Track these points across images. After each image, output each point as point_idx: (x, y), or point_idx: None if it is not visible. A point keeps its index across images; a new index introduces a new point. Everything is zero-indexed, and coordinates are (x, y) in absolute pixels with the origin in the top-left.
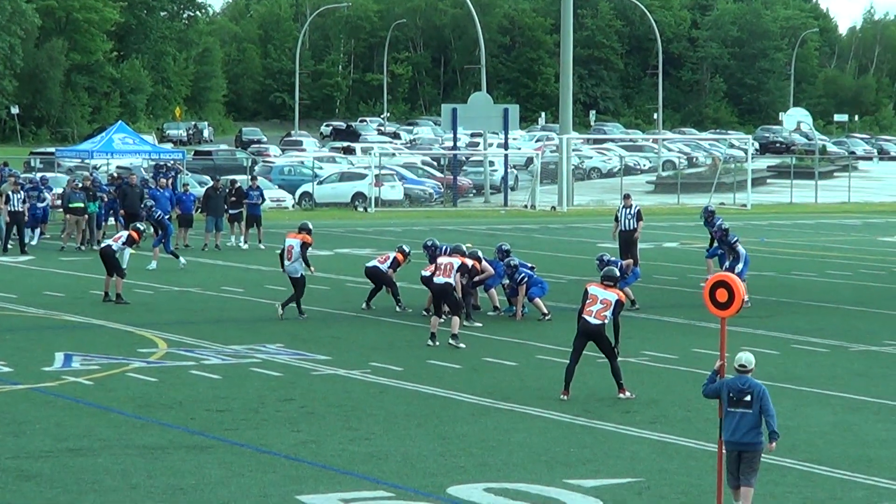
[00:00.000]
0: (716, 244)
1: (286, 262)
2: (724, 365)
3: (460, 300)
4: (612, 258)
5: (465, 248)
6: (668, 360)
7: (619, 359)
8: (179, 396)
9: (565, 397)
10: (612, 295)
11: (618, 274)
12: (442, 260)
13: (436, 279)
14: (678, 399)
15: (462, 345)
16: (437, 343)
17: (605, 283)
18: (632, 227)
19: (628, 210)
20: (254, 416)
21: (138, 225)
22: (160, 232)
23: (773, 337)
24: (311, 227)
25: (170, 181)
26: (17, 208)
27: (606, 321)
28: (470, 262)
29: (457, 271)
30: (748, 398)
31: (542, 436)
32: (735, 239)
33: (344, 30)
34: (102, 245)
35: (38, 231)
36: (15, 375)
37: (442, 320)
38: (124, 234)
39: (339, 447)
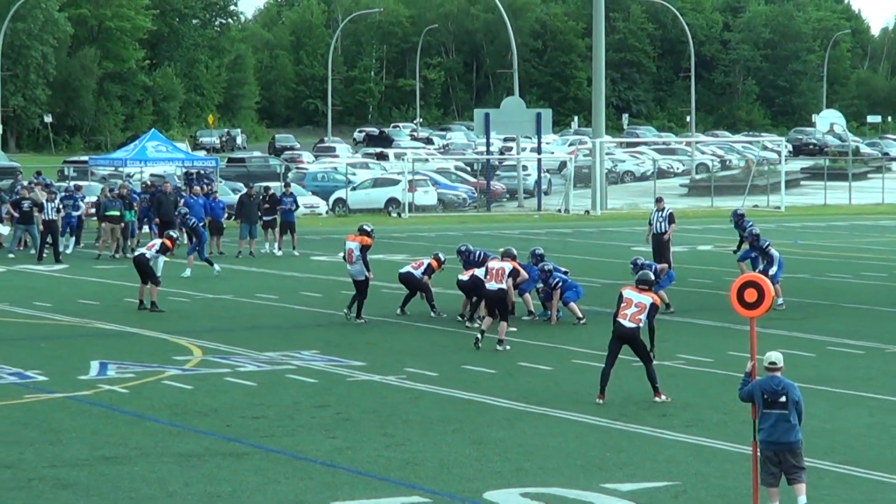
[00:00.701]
0: (746, 246)
1: (348, 266)
2: (755, 366)
3: (512, 305)
4: (647, 261)
5: (514, 252)
6: (704, 363)
7: (654, 362)
8: (215, 404)
9: (601, 401)
10: (647, 298)
11: (652, 277)
12: (493, 265)
13: (489, 285)
14: (714, 402)
15: (507, 347)
16: (481, 346)
17: (639, 286)
18: (664, 230)
19: (661, 213)
20: (289, 422)
21: (171, 233)
22: (194, 239)
23: (808, 339)
24: (369, 229)
25: (209, 188)
26: (50, 217)
27: (641, 325)
28: (518, 267)
29: (509, 276)
30: (783, 399)
31: (577, 440)
32: (767, 243)
33: (376, 35)
34: (136, 253)
35: (72, 239)
36: (50, 384)
37: (476, 324)
38: (158, 241)
39: (374, 453)
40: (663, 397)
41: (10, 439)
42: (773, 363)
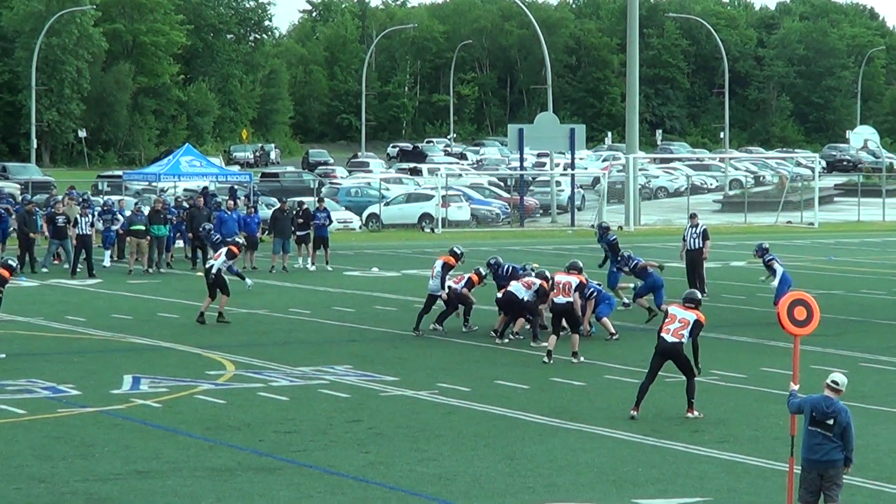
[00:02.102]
0: (608, 262)
1: (429, 280)
2: (797, 385)
3: (580, 318)
4: (631, 254)
5: (580, 264)
6: (737, 378)
7: (696, 378)
8: (248, 418)
9: (635, 413)
10: (692, 315)
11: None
12: (560, 279)
13: (556, 299)
14: (747, 418)
15: (581, 359)
16: (552, 361)
17: (686, 304)
18: (698, 247)
19: (695, 229)
20: (322, 437)
21: (237, 239)
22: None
23: (841, 355)
24: (459, 252)
25: (254, 201)
26: (85, 231)
27: (684, 340)
28: (585, 281)
29: (575, 290)
30: (830, 422)
31: (609, 455)
32: (771, 258)
33: (410, 51)
34: (207, 265)
35: (107, 253)
36: (83, 398)
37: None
38: (223, 250)
39: (407, 468)
40: (696, 413)
41: (43, 453)
42: (835, 383)
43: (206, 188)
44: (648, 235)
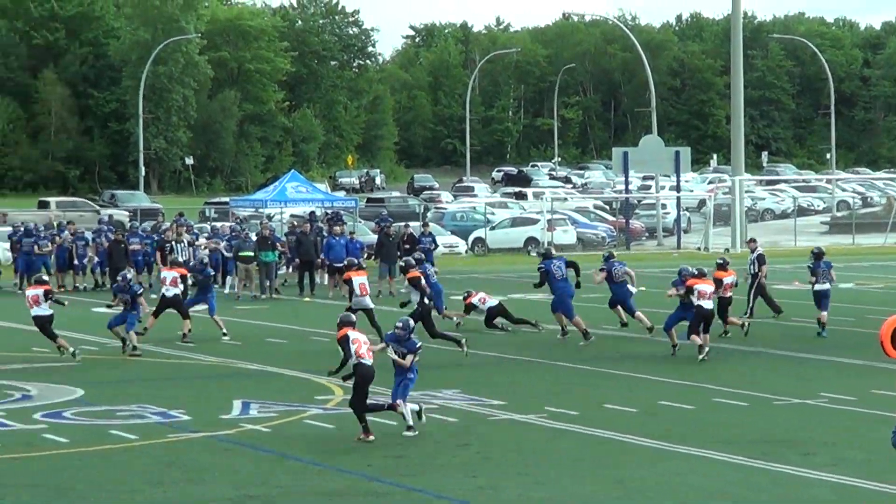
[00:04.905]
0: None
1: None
2: None
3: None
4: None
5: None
6: (846, 401)
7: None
8: (356, 443)
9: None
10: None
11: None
12: (701, 287)
13: (705, 303)
14: (858, 440)
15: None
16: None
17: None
18: (754, 272)
19: (752, 254)
20: (430, 462)
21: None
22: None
23: None
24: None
25: (387, 228)
26: (182, 258)
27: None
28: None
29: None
30: None
31: (718, 479)
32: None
33: (513, 75)
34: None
35: (228, 279)
36: (193, 423)
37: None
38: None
39: (515, 493)
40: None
41: (154, 479)
42: None
43: (313, 213)
44: None
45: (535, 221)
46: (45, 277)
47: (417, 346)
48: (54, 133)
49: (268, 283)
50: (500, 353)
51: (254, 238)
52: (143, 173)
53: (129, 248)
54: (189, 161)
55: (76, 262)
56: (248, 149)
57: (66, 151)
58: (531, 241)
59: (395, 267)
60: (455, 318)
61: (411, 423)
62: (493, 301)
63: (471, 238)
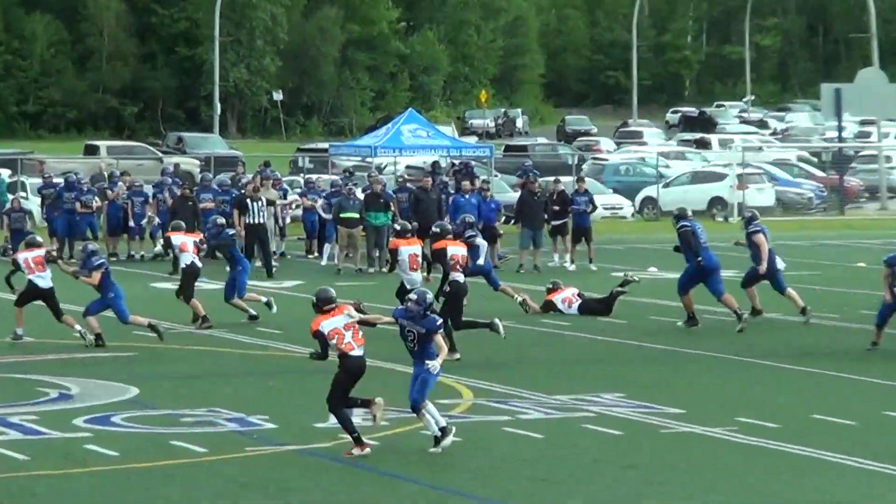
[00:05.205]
0: None
1: None
2: None
3: None
4: None
5: None
6: None
7: None
8: (489, 460)
9: None
10: None
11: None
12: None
13: None
14: None
15: None
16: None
17: None
18: None
19: None
20: (586, 486)
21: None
22: None
23: None
24: None
25: (531, 183)
26: (256, 221)
27: None
28: None
29: None
30: None
31: None
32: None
33: None
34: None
35: (326, 248)
36: (281, 433)
37: None
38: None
39: None
40: None
41: (230, 503)
42: None
43: (435, 163)
44: None
45: (721, 177)
46: (39, 239)
47: (438, 322)
48: (106, 60)
49: (377, 253)
50: (676, 346)
51: (360, 195)
52: (218, 111)
53: (198, 207)
54: (278, 97)
55: (131, 223)
56: (352, 81)
57: (122, 83)
58: (716, 201)
59: (541, 234)
60: (517, 297)
61: (437, 432)
62: (578, 301)
63: (639, 198)
